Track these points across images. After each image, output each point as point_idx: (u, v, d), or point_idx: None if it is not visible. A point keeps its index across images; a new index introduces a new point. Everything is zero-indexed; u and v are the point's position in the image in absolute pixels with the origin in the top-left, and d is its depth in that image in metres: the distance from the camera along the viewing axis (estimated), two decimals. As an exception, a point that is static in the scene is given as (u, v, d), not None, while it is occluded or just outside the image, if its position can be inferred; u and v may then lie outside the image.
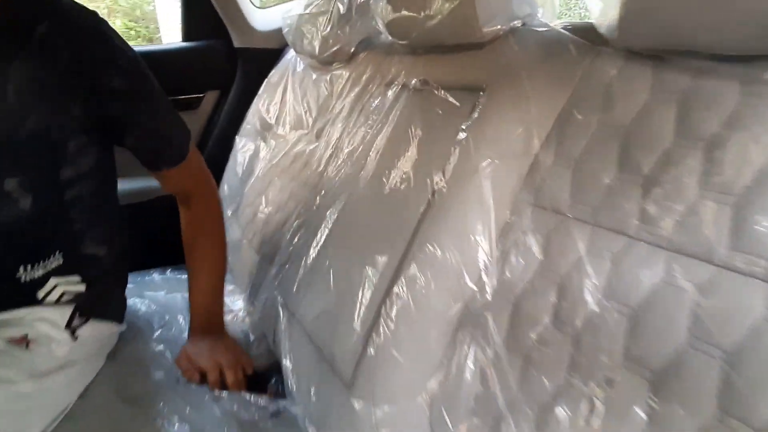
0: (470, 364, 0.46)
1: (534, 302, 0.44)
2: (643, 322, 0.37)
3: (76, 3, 0.59)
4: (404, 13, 0.65)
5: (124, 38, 0.62)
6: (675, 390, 0.33)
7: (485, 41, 0.57)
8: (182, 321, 0.84)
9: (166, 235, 0.94)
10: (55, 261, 0.61)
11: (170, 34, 3.66)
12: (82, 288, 0.64)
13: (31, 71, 0.53)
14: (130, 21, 3.07)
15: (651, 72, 0.41)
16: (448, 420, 0.45)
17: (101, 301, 0.69)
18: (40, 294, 0.61)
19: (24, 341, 0.59)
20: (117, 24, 2.92)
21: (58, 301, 0.63)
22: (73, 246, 0.63)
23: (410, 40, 0.67)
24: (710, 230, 0.35)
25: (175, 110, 0.69)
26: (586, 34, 0.47)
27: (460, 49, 0.61)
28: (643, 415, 0.34)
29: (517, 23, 0.58)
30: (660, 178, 0.38)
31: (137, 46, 1.30)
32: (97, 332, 0.67)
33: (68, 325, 0.63)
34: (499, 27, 0.56)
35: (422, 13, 0.62)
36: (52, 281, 0.61)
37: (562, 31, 0.50)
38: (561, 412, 0.38)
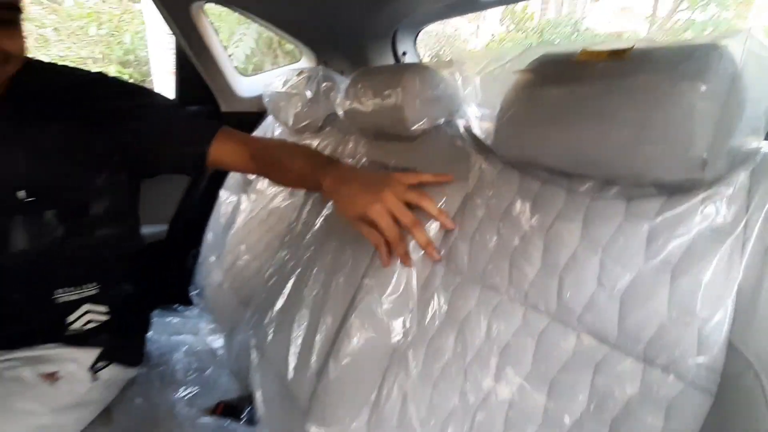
0: (395, 392, 0.60)
1: (440, 342, 0.58)
2: (510, 363, 0.51)
3: (82, 69, 0.74)
4: (356, 105, 0.82)
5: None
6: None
7: (414, 135, 0.74)
8: (179, 362, 0.96)
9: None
10: (92, 290, 0.74)
11: (161, 76, 3.87)
12: (106, 318, 0.76)
13: (62, 127, 0.66)
14: (122, 66, 3.27)
15: (518, 177, 0.58)
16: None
17: (123, 345, 0.81)
18: (70, 318, 0.73)
19: (52, 377, 0.71)
20: (111, 69, 3.11)
21: (82, 329, 0.75)
22: (106, 280, 0.76)
23: (360, 126, 0.83)
24: (548, 293, 0.50)
25: (187, 109, 0.79)
26: (482, 140, 0.64)
27: (397, 138, 0.78)
28: (500, 427, 0.48)
29: (440, 121, 0.75)
30: (520, 254, 0.54)
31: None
32: (114, 376, 0.79)
33: (92, 366, 0.75)
34: (425, 126, 0.72)
35: (368, 109, 0.79)
36: (84, 307, 0.74)
37: (466, 134, 0.67)
38: (451, 429, 0.52)
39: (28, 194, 0.65)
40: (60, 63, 0.73)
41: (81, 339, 0.77)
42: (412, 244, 0.63)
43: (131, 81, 0.92)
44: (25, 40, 0.61)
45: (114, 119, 0.69)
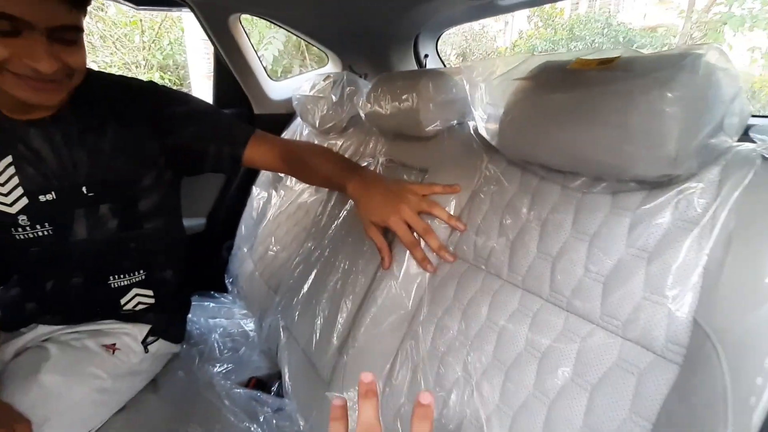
0: (408, 364, 0.67)
1: (447, 322, 0.65)
2: (506, 339, 0.57)
3: (136, 79, 0.82)
4: (376, 108, 0.89)
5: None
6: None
7: (428, 136, 0.80)
8: (216, 342, 1.07)
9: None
10: (139, 276, 0.85)
11: (198, 80, 4.07)
12: (152, 301, 0.87)
13: (118, 131, 0.75)
14: (162, 71, 3.48)
15: (519, 174, 0.64)
16: (390, 402, 0.65)
17: (168, 324, 0.92)
18: (123, 301, 0.85)
19: (111, 348, 0.82)
20: (154, 76, 3.32)
21: (133, 310, 0.86)
22: (151, 266, 0.86)
23: (380, 128, 0.91)
24: (543, 276, 0.56)
25: (225, 114, 0.85)
26: (488, 140, 0.70)
27: (413, 139, 0.84)
28: (497, 394, 0.55)
29: (453, 123, 0.81)
30: (518, 242, 0.60)
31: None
32: (161, 350, 0.90)
33: (143, 340, 0.86)
34: (438, 127, 0.79)
35: (387, 111, 0.86)
36: (134, 291, 0.85)
37: (474, 135, 0.73)
38: (453, 397, 0.59)
39: (88, 190, 0.76)
40: (107, 68, 0.83)
41: (133, 317, 0.88)
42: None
43: (175, 88, 1.00)
44: (86, 54, 0.70)
45: (162, 124, 0.78)
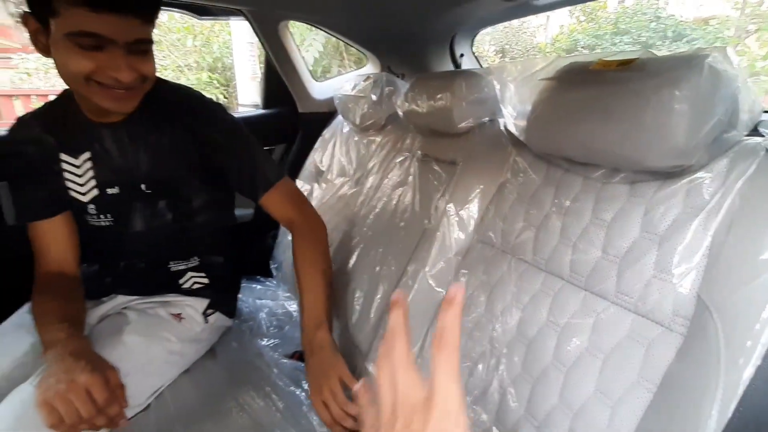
0: (437, 339, 0.74)
1: (475, 301, 0.71)
2: (530, 315, 0.63)
3: (198, 93, 0.91)
4: (413, 107, 0.97)
5: (208, 86, 0.88)
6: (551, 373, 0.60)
7: (461, 132, 0.87)
8: (263, 320, 1.18)
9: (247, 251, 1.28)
10: (194, 262, 0.96)
11: (243, 81, 4.28)
12: (206, 281, 0.99)
13: (173, 137, 0.85)
14: (211, 73, 3.70)
15: (545, 166, 0.69)
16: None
17: (222, 300, 1.04)
18: (181, 281, 0.97)
19: (178, 317, 0.94)
20: (203, 77, 3.54)
21: (191, 288, 0.98)
22: (204, 253, 0.98)
23: (416, 125, 0.98)
24: (562, 258, 0.61)
25: (263, 151, 0.92)
26: (516, 136, 0.75)
27: (446, 135, 0.91)
28: (519, 364, 0.61)
29: (485, 120, 0.87)
30: (542, 229, 0.65)
31: (236, 113, 1.66)
32: (218, 321, 1.02)
33: (204, 312, 0.98)
34: (470, 124, 0.85)
35: (423, 110, 0.93)
36: (189, 274, 0.97)
37: (503, 130, 0.79)
38: (480, 367, 0.65)
39: (146, 187, 0.86)
40: (162, 71, 0.92)
41: (193, 293, 1.00)
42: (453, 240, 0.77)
43: (222, 88, 1.09)
44: (155, 63, 0.79)
45: (204, 140, 0.86)
